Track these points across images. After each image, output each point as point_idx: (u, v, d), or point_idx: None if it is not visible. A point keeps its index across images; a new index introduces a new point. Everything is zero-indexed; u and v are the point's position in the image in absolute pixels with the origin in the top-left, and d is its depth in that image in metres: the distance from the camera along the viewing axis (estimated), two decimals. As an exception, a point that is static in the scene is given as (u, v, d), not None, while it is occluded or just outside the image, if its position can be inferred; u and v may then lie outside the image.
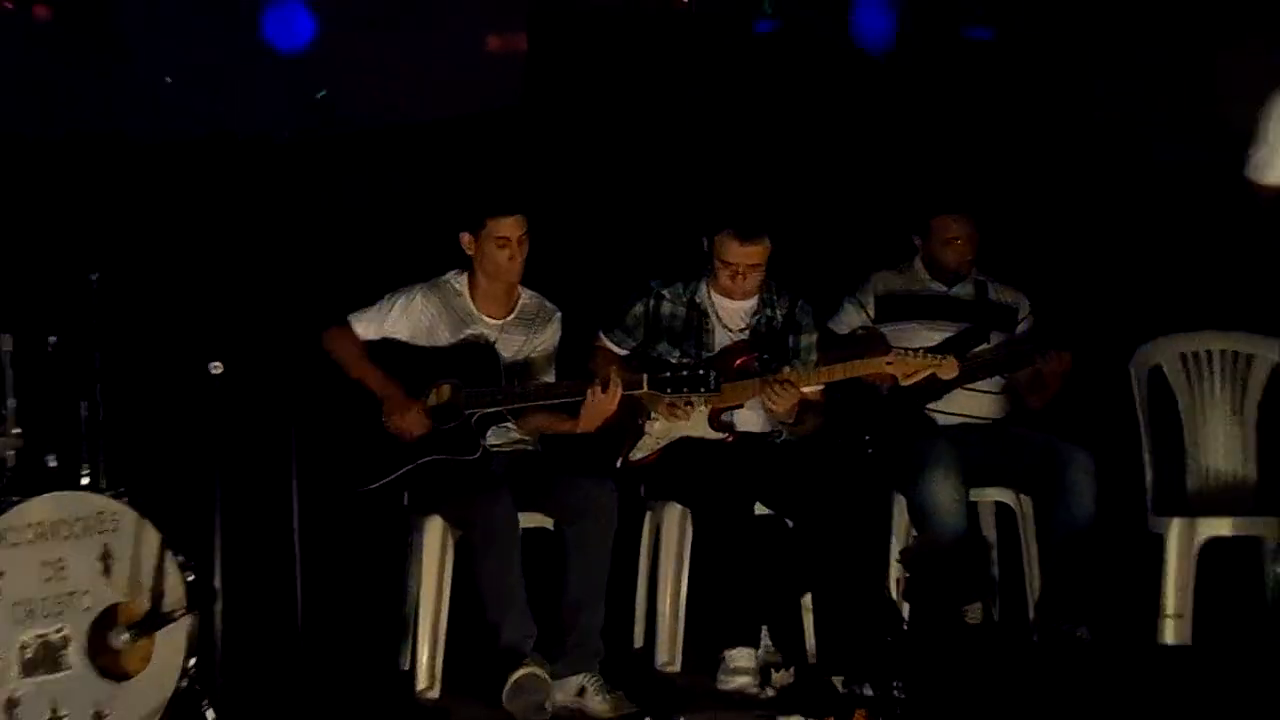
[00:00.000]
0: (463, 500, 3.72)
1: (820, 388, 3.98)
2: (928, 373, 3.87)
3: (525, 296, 4.00)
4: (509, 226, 3.86)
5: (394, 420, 3.78)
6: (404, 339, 3.89)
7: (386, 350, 3.90)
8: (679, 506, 3.97)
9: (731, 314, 4.05)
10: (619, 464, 4.02)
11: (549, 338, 4.00)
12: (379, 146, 4.94)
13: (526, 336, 3.97)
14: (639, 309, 4.05)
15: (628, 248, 4.78)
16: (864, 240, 4.63)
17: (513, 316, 3.97)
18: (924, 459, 3.97)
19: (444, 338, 3.91)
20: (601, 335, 4.05)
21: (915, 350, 3.91)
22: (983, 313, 4.23)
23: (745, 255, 3.91)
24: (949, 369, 3.89)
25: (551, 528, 3.81)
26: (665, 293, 4.05)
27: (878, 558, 3.97)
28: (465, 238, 3.92)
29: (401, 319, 3.90)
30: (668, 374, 3.73)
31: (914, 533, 4.02)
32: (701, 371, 3.71)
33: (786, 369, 3.88)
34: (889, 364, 3.87)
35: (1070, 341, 4.03)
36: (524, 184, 4.32)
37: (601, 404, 3.71)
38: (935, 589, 3.81)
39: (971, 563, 3.96)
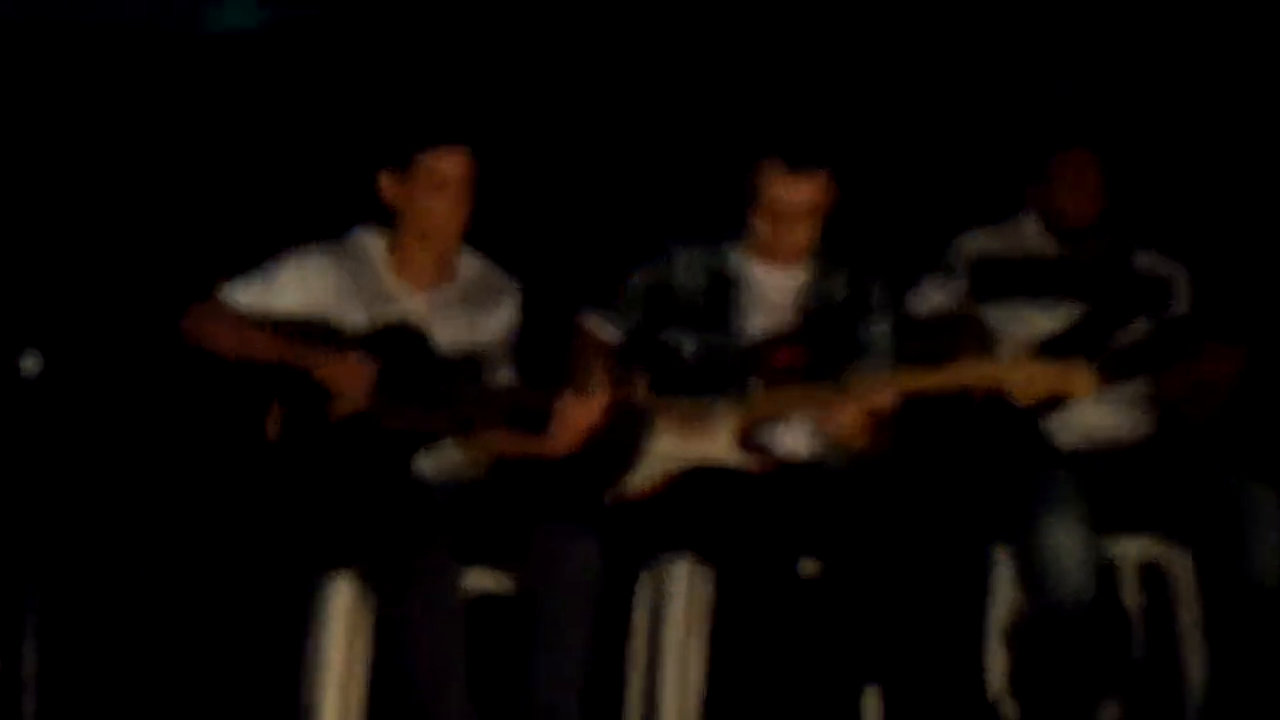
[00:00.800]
0: (383, 552, 3.41)
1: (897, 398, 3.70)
2: (1052, 389, 3.55)
3: (469, 264, 3.73)
4: (450, 164, 3.57)
5: (335, 379, 3.46)
6: (297, 313, 3.58)
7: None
8: (692, 562, 3.68)
9: (773, 287, 3.78)
10: (607, 500, 3.73)
11: (503, 321, 3.73)
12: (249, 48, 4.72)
13: (471, 319, 3.69)
14: (642, 277, 3.77)
15: (627, 194, 4.58)
16: (953, 193, 4.45)
17: (451, 291, 3.68)
18: (1038, 498, 3.69)
19: (352, 320, 3.61)
20: (585, 315, 3.81)
21: (1040, 358, 3.62)
22: (1123, 287, 3.96)
23: (795, 193, 3.64)
24: (1082, 382, 3.57)
25: (510, 592, 3.54)
26: (681, 255, 3.77)
27: (971, 636, 3.77)
28: (386, 180, 3.61)
29: (293, 287, 3.60)
30: (680, 372, 3.51)
31: (1023, 601, 3.73)
32: (729, 370, 3.48)
33: (852, 374, 3.63)
34: (1005, 377, 3.56)
35: (1244, 332, 3.86)
36: (475, 101, 4.05)
37: (581, 415, 3.49)
38: (1053, 680, 3.60)
39: (1105, 644, 3.71)
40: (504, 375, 3.73)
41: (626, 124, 4.69)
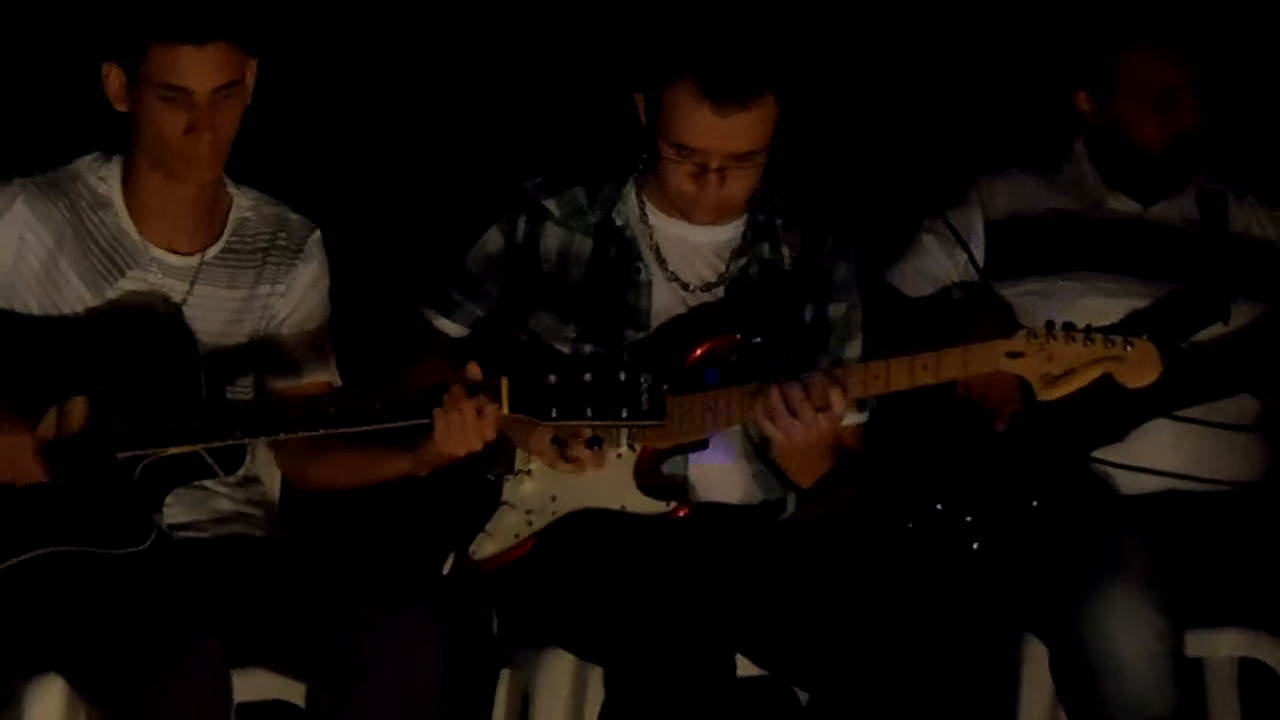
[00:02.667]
0: (113, 646, 3.16)
1: (862, 419, 3.53)
2: (1096, 374, 3.32)
3: (245, 205, 3.51)
4: (193, 64, 3.31)
5: None
6: None
7: None
8: (569, 658, 3.45)
9: (688, 253, 3.60)
10: (447, 568, 3.51)
11: (305, 285, 3.52)
12: None
13: (252, 288, 3.48)
14: (495, 238, 3.57)
15: (471, 110, 4.45)
16: (967, 109, 4.37)
17: (219, 247, 3.46)
18: (1089, 567, 3.45)
19: (74, 295, 3.42)
20: (429, 313, 3.63)
21: (1070, 328, 3.36)
22: (1216, 256, 3.78)
23: (725, 135, 3.40)
24: (1143, 366, 3.34)
25: (301, 701, 3.31)
26: (551, 205, 3.56)
27: None
28: (113, 75, 3.37)
29: None
30: (552, 378, 3.22)
31: (1065, 714, 3.52)
32: (625, 375, 3.22)
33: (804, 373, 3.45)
34: (1014, 355, 3.34)
35: None
36: None
37: (463, 436, 3.19)
38: None
39: None
40: (315, 376, 3.49)
41: (464, 21, 4.56)
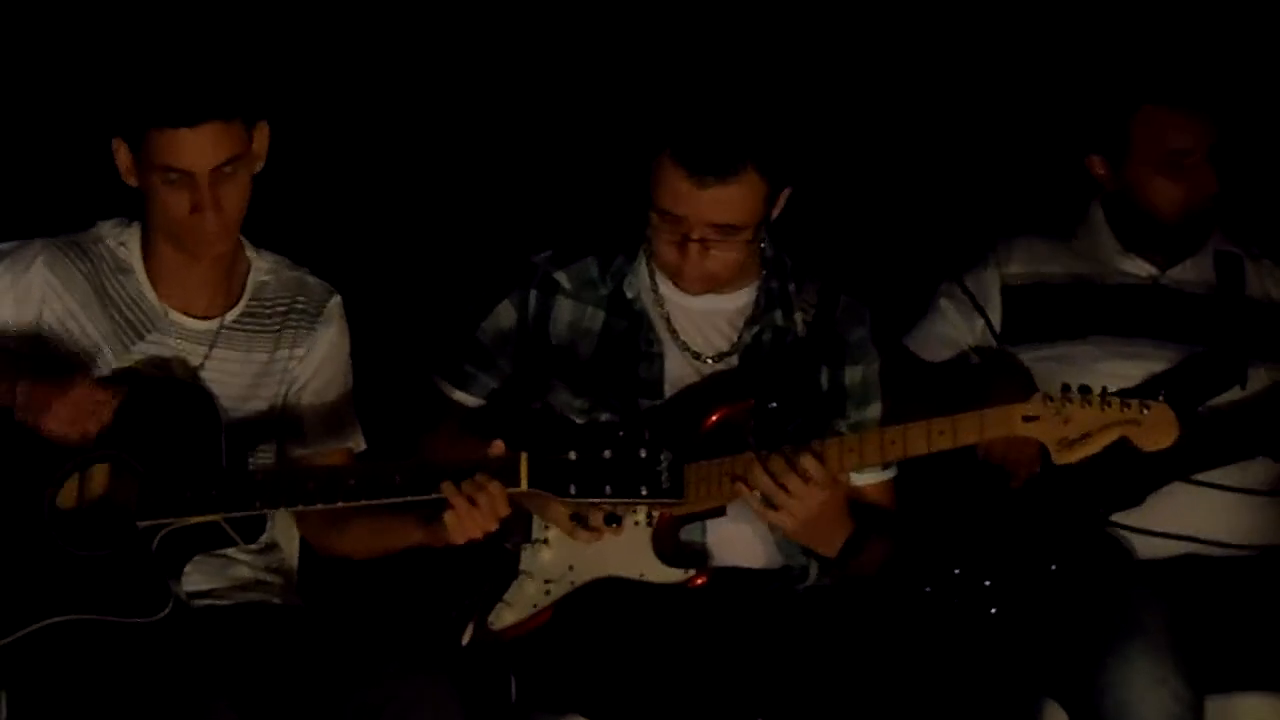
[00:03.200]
0: (131, 713, 3.11)
1: (889, 476, 3.49)
2: (1113, 437, 3.30)
3: (263, 268, 3.51)
4: (191, 147, 3.31)
5: (58, 420, 3.20)
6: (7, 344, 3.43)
7: None
8: None
9: (700, 323, 3.59)
10: (466, 638, 3.49)
11: (325, 351, 3.50)
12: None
13: (271, 353, 3.47)
14: (507, 313, 3.56)
15: (487, 184, 4.45)
16: (982, 174, 4.32)
17: (238, 312, 3.45)
18: (1108, 631, 3.42)
19: (95, 358, 3.40)
20: (443, 385, 3.61)
21: (1086, 391, 3.35)
22: (1234, 319, 3.78)
23: (703, 206, 3.39)
24: (1161, 430, 3.31)
25: None
26: (562, 278, 3.54)
27: None
28: (122, 152, 3.36)
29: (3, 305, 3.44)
30: (571, 455, 3.21)
31: None
32: (645, 453, 3.20)
33: (815, 439, 3.44)
34: (1030, 419, 3.31)
35: None
36: (246, 43, 4.04)
37: (476, 520, 3.20)
38: None
39: None
40: (343, 444, 3.47)
41: (477, 94, 4.58)
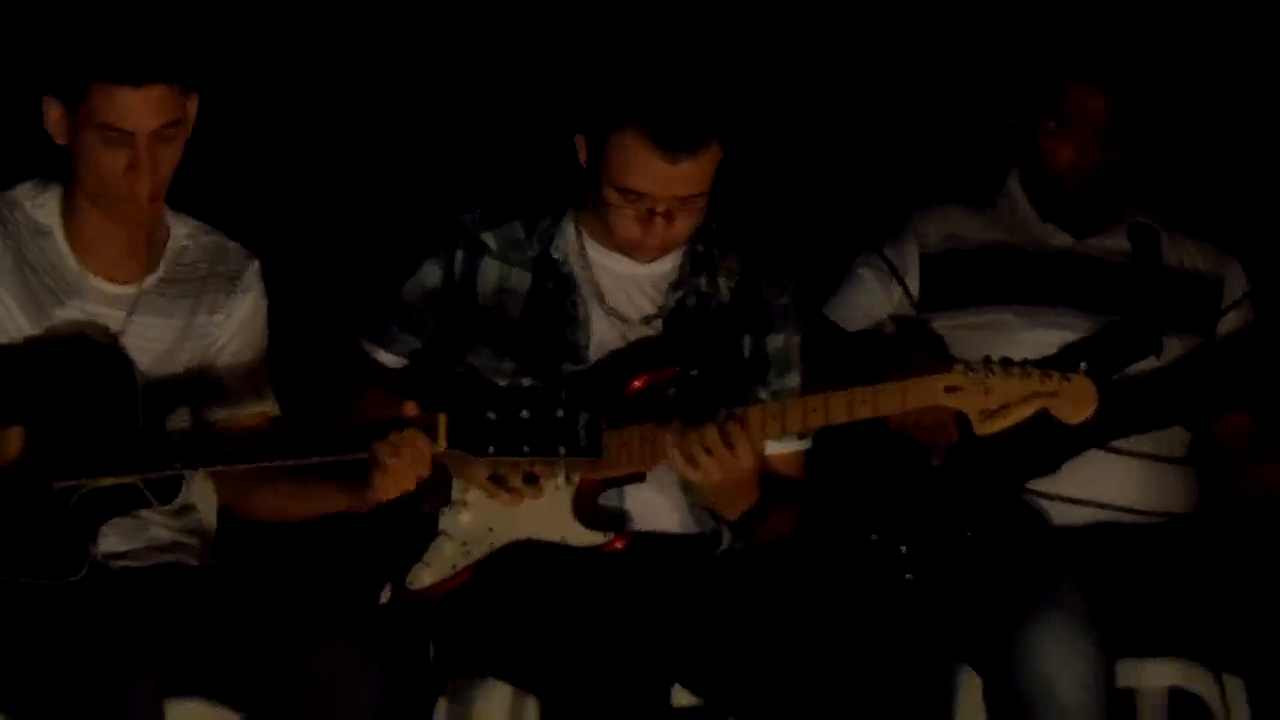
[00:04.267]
0: (47, 677, 3.14)
1: (803, 447, 3.52)
2: (1033, 410, 3.35)
3: (182, 234, 3.51)
4: (134, 106, 3.32)
5: None
6: None
7: None
8: (506, 688, 3.47)
9: (627, 287, 3.61)
10: (385, 598, 3.54)
11: (244, 314, 3.53)
12: None
13: (189, 317, 3.47)
14: (433, 274, 3.58)
15: (412, 146, 4.46)
16: (902, 145, 4.36)
17: (157, 277, 3.46)
18: (1022, 597, 3.48)
19: (11, 324, 3.41)
20: (368, 346, 3.62)
21: (1007, 363, 3.38)
22: (1149, 290, 3.81)
23: (673, 180, 3.44)
24: (1079, 401, 3.36)
25: None
26: (489, 239, 3.57)
27: None
28: (52, 109, 3.36)
29: None
30: (490, 415, 3.23)
31: None
32: (563, 412, 3.23)
33: (736, 407, 3.48)
34: (951, 390, 3.37)
35: None
36: (181, 5, 3.85)
37: (398, 479, 3.22)
38: None
39: None
40: (257, 407, 3.50)
41: (405, 57, 4.58)
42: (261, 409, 3.55)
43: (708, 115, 3.49)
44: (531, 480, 3.44)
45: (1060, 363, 3.53)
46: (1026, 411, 3.40)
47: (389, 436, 3.30)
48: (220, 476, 3.53)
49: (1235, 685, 3.69)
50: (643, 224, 3.52)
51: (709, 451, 3.39)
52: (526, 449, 3.25)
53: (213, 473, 3.47)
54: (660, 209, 3.50)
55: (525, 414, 3.26)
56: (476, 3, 4.68)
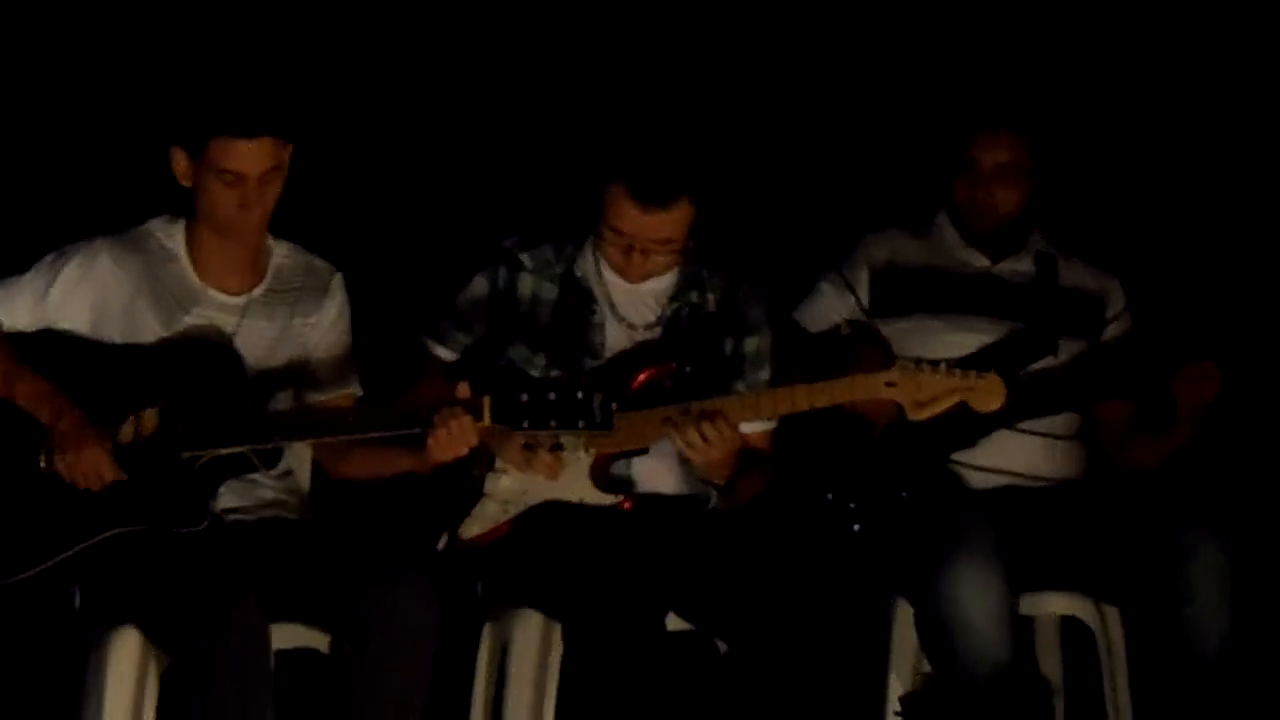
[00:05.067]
0: (178, 604, 3.45)
1: (771, 427, 3.79)
2: (955, 401, 3.64)
3: (281, 254, 3.79)
4: (247, 155, 3.59)
5: (66, 463, 3.51)
6: (79, 330, 3.64)
7: (41, 352, 3.64)
8: (538, 616, 3.73)
9: (633, 300, 3.87)
10: (442, 545, 3.79)
11: (332, 318, 3.79)
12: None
13: (288, 322, 3.75)
14: (481, 286, 3.84)
15: (465, 184, 4.65)
16: (856, 185, 4.52)
17: (262, 289, 3.74)
18: (945, 544, 3.73)
19: (148, 329, 3.66)
20: (429, 342, 3.90)
21: (935, 364, 3.63)
22: (1048, 304, 4.05)
23: (648, 227, 3.74)
24: (991, 395, 3.64)
25: (326, 649, 3.58)
26: (525, 259, 3.84)
27: (867, 705, 3.84)
28: (179, 158, 3.64)
29: (76, 295, 3.64)
30: (524, 397, 3.49)
31: (926, 665, 3.82)
32: (581, 394, 3.49)
33: (719, 397, 3.69)
34: (890, 385, 3.64)
35: (1206, 350, 3.89)
36: (288, 83, 4.06)
37: (451, 444, 3.51)
38: None
39: (1021, 716, 3.75)
40: (344, 389, 3.77)
41: (461, 115, 4.76)
42: (348, 391, 3.77)
43: (676, 179, 3.73)
44: (557, 449, 3.67)
45: (977, 363, 3.77)
46: (949, 403, 3.68)
47: (440, 413, 3.51)
48: (316, 446, 3.74)
49: (1113, 613, 3.92)
50: (625, 256, 3.78)
51: (703, 435, 3.65)
52: (553, 423, 3.50)
53: (307, 443, 3.69)
54: (638, 247, 3.76)
55: (552, 396, 3.50)
56: (523, 78, 4.70)
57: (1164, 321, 4.19)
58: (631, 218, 3.75)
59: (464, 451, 3.53)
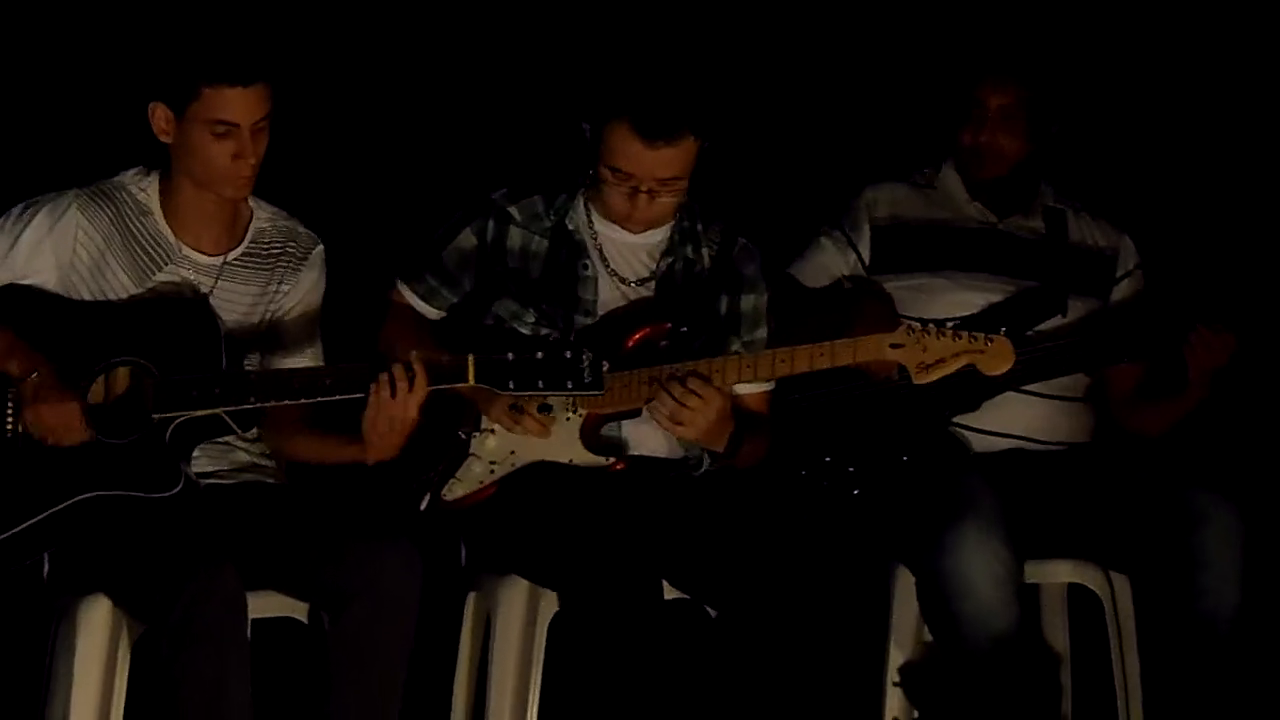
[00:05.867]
0: (151, 571, 3.44)
1: (769, 387, 3.78)
2: (962, 365, 3.59)
3: (263, 217, 3.77)
4: (241, 103, 3.57)
5: (35, 415, 3.49)
6: (47, 286, 3.61)
7: (8, 310, 3.59)
8: (525, 583, 3.73)
9: (626, 253, 3.84)
10: (423, 506, 3.78)
11: (307, 287, 3.78)
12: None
13: (264, 286, 3.74)
14: (468, 238, 3.81)
15: (451, 135, 4.65)
16: (858, 132, 4.52)
17: (240, 251, 3.72)
18: (947, 509, 3.74)
19: (119, 285, 3.65)
20: (400, 285, 3.88)
21: (940, 325, 3.60)
22: (1057, 261, 4.04)
23: (653, 163, 3.69)
24: (999, 358, 3.60)
25: (305, 618, 3.58)
26: (514, 211, 3.81)
27: (866, 677, 3.87)
28: (159, 112, 3.60)
29: (44, 250, 3.60)
30: (511, 355, 3.46)
31: (928, 634, 3.84)
32: (571, 353, 3.46)
33: (714, 355, 3.69)
34: (896, 347, 3.61)
35: (1219, 312, 3.89)
36: (273, 28, 4.06)
37: (393, 409, 3.47)
38: None
39: (1023, 686, 3.74)
40: (305, 355, 3.76)
41: (445, 61, 4.75)
42: (312, 357, 3.75)
43: (683, 112, 3.70)
44: (545, 410, 3.63)
45: (984, 324, 3.79)
46: (955, 366, 3.65)
47: (379, 375, 3.46)
48: (263, 426, 3.70)
49: (1122, 581, 3.95)
50: (629, 199, 3.74)
51: (687, 408, 3.61)
52: (541, 384, 3.47)
53: (278, 407, 3.56)
54: (643, 188, 3.72)
55: (540, 355, 3.47)
56: (510, 18, 4.69)
57: (1176, 282, 4.14)
58: (635, 155, 3.70)
59: (400, 441, 3.47)
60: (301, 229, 3.81)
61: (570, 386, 3.46)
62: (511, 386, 3.47)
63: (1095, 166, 4.43)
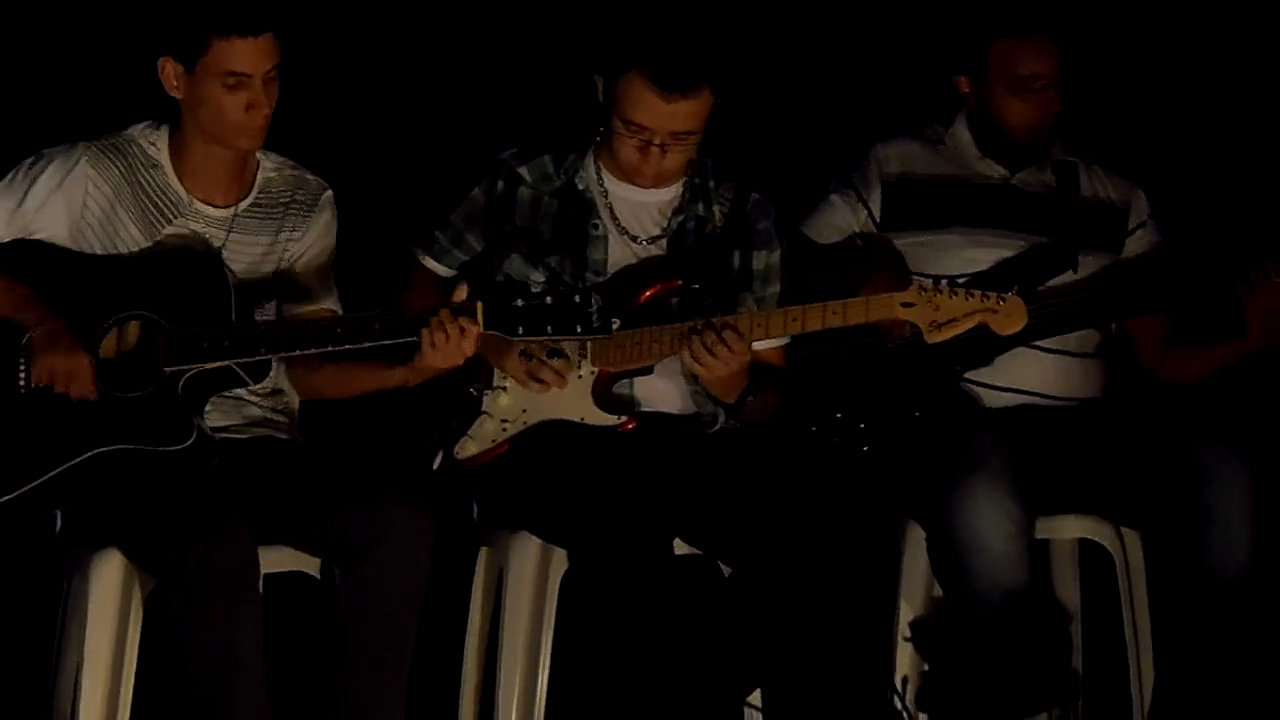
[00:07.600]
0: (163, 525, 3.47)
1: (784, 342, 3.78)
2: (974, 323, 3.58)
3: (270, 167, 3.79)
4: (251, 53, 3.59)
5: (48, 364, 3.51)
6: (58, 240, 3.63)
7: (18, 265, 3.61)
8: (536, 541, 3.75)
9: (637, 212, 3.85)
10: (436, 464, 3.79)
11: (319, 232, 3.81)
12: None
13: (275, 235, 3.76)
14: (477, 197, 3.83)
15: (458, 91, 4.63)
16: (868, 91, 4.52)
17: (248, 202, 3.74)
18: (958, 465, 3.75)
19: (129, 239, 3.67)
20: (418, 253, 3.89)
21: (953, 282, 3.63)
22: (1068, 216, 4.04)
23: (668, 117, 3.69)
24: (1012, 317, 3.59)
25: (316, 572, 3.61)
26: (524, 172, 3.83)
27: (876, 632, 3.87)
28: (169, 68, 3.62)
29: (54, 203, 3.62)
30: (519, 302, 3.49)
31: (938, 590, 3.84)
32: (579, 299, 3.47)
33: (725, 313, 3.68)
34: (907, 305, 3.59)
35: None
36: None
37: (446, 352, 3.47)
38: (970, 686, 3.73)
39: (1034, 642, 3.76)
40: (324, 304, 3.77)
41: (462, 19, 4.75)
42: (329, 306, 3.78)
43: (699, 65, 3.70)
44: (555, 354, 3.67)
45: (994, 280, 3.80)
46: (968, 325, 3.64)
47: (439, 314, 3.48)
48: (296, 363, 3.70)
49: (1133, 537, 3.98)
50: (642, 152, 3.74)
51: (711, 352, 3.63)
52: (549, 329, 3.48)
53: (292, 358, 3.62)
54: (657, 141, 3.73)
55: (548, 300, 3.49)
56: None
57: (1225, 225, 4.17)
58: (651, 107, 3.71)
59: (459, 361, 3.50)
60: (309, 176, 3.83)
61: (579, 330, 3.47)
62: (520, 332, 3.48)
63: (1139, 112, 4.39)
